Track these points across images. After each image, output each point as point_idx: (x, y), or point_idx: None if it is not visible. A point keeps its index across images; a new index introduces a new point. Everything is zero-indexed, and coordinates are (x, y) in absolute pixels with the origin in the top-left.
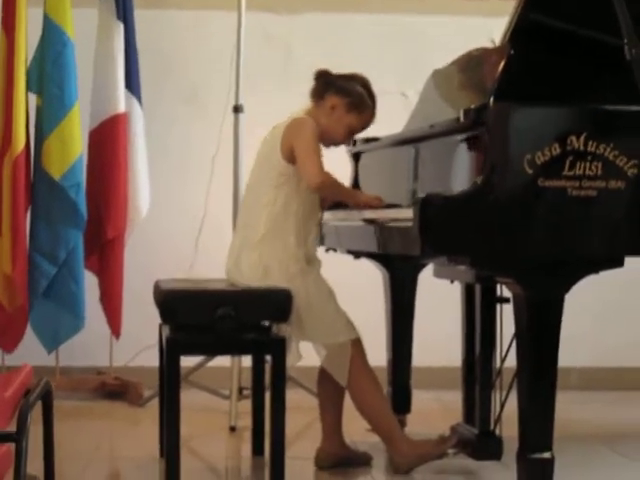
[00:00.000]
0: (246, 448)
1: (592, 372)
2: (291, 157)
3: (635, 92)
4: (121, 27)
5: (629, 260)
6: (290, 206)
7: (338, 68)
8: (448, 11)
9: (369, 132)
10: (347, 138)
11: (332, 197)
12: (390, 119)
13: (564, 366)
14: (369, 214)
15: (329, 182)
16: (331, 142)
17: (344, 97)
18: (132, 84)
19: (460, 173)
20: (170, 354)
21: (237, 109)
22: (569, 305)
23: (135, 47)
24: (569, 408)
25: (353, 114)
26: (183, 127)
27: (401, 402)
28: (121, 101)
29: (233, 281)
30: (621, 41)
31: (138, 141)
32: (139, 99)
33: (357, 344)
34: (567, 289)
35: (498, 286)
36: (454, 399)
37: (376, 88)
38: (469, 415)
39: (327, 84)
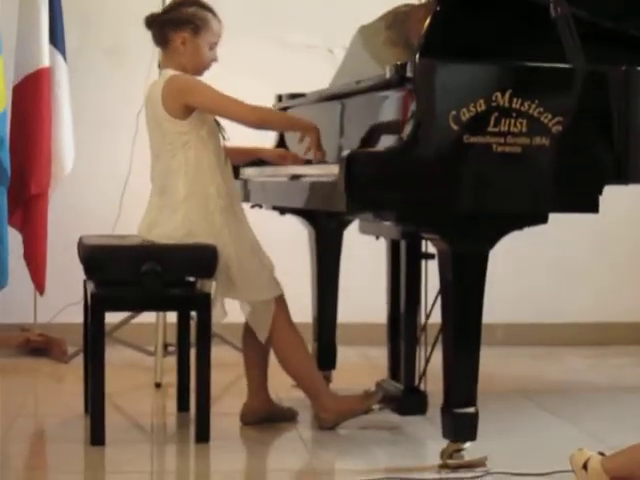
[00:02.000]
0: (171, 404)
1: (516, 328)
2: (182, 113)
3: (559, 50)
4: None
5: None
6: (202, 160)
7: (267, 24)
8: None
9: (297, 88)
10: (212, 56)
11: (277, 125)
12: (316, 75)
13: (489, 322)
14: (296, 170)
15: (265, 111)
16: (203, 69)
17: (184, 27)
18: (56, 38)
19: (386, 129)
20: (95, 310)
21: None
22: (493, 260)
23: (59, 1)
24: (494, 363)
25: (202, 34)
26: (107, 82)
27: (326, 358)
28: (45, 55)
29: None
30: None
31: (62, 96)
32: (63, 53)
33: (280, 301)
34: (491, 245)
35: (423, 242)
36: (379, 355)
37: (303, 44)
38: (394, 371)
39: (162, 26)
